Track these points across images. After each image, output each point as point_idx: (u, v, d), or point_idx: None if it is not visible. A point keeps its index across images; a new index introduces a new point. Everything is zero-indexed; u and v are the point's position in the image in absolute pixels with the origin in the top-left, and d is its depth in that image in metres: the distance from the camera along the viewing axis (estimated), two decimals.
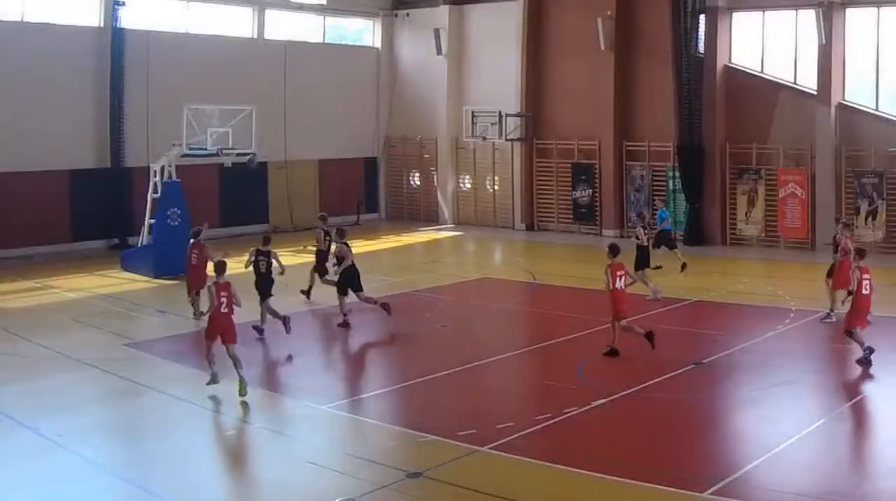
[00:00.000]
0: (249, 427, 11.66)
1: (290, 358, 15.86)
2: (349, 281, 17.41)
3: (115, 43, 26.70)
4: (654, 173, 28.44)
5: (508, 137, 30.32)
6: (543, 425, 11.62)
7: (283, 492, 9.88)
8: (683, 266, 21.38)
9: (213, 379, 13.12)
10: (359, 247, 26.63)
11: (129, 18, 27.08)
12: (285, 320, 16.46)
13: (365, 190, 34.03)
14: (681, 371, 14.07)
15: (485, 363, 15.17)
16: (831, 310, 16.89)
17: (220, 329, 13.25)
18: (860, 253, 15.00)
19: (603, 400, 12.57)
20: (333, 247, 18.28)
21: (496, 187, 32.04)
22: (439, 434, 11.22)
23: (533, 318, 18.98)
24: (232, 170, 25.23)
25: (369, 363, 16.00)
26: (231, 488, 10.11)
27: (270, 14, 31.39)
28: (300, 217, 31.46)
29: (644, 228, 20.10)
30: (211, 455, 11.00)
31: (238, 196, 28.78)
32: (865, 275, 14.46)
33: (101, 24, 26.95)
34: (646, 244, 19.70)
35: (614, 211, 29.06)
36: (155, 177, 23.11)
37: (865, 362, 13.96)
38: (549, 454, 10.64)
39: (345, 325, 17.44)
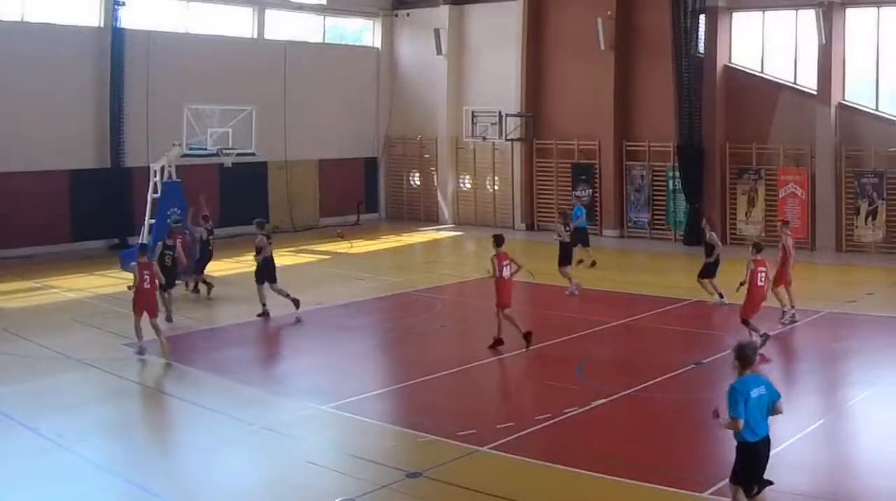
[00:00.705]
0: (249, 428, 11.65)
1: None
2: (266, 271, 18.00)
3: (115, 43, 26.70)
4: (654, 173, 28.44)
5: (508, 137, 30.32)
6: (543, 425, 11.62)
7: (283, 492, 9.87)
8: (593, 263, 22.75)
9: (142, 351, 15.05)
10: (359, 246, 26.70)
11: (129, 18, 27.07)
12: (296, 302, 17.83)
13: (365, 190, 34.04)
14: (681, 371, 14.07)
15: (485, 363, 15.17)
16: (791, 307, 17.00)
17: (144, 304, 14.95)
18: (757, 246, 15.70)
19: (603, 400, 12.57)
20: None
21: (496, 187, 32.05)
22: (439, 434, 11.21)
23: (533, 318, 18.96)
24: (232, 170, 25.25)
25: (369, 363, 15.99)
26: (231, 488, 10.10)
27: (270, 14, 31.39)
28: (300, 217, 31.51)
29: (566, 226, 20.66)
30: (211, 455, 10.99)
31: (238, 196, 28.77)
32: (761, 268, 15.29)
33: (101, 24, 26.95)
34: (568, 240, 20.49)
35: (614, 211, 29.06)
36: (155, 177, 23.11)
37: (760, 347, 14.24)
38: (549, 454, 10.64)
39: (264, 315, 17.87)
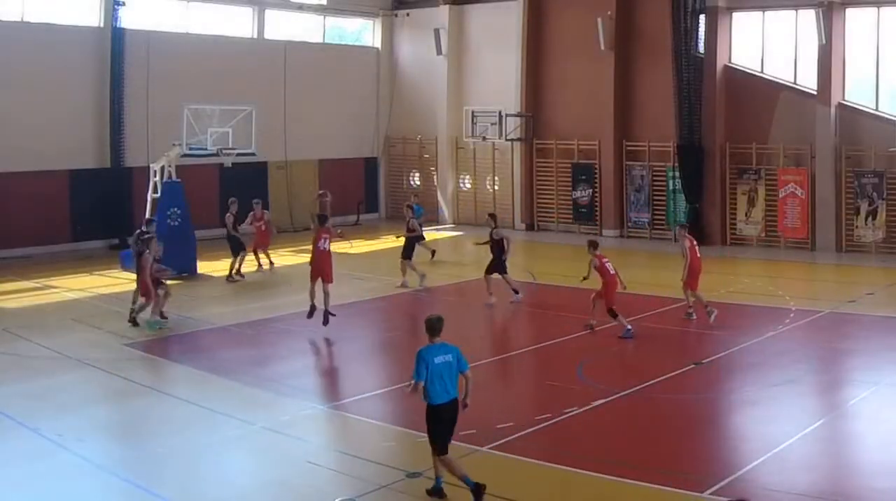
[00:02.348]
0: (249, 428, 11.65)
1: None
2: None
3: (115, 43, 26.69)
4: (654, 173, 28.44)
5: (508, 137, 30.32)
6: (543, 425, 11.62)
7: (283, 492, 9.88)
8: (433, 253, 24.34)
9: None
10: (359, 246, 26.68)
11: (129, 18, 27.07)
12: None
13: (365, 190, 34.03)
14: (681, 371, 14.07)
15: (485, 363, 15.16)
16: (706, 306, 17.21)
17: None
18: (593, 244, 16.90)
19: (603, 400, 12.57)
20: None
21: (496, 187, 32.04)
22: None
23: (533, 318, 18.98)
24: (232, 170, 25.25)
25: (369, 363, 15.99)
26: (231, 488, 10.10)
27: (270, 14, 31.40)
28: (300, 217, 31.48)
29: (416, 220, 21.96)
30: (211, 455, 10.99)
31: (238, 196, 28.71)
32: (605, 260, 16.66)
33: (101, 24, 26.95)
34: (420, 234, 21.80)
35: (614, 211, 29.06)
36: (155, 176, 23.12)
37: (626, 338, 15.87)
38: (549, 454, 10.64)
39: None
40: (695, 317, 17.48)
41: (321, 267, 16.76)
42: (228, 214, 22.63)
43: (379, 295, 20.47)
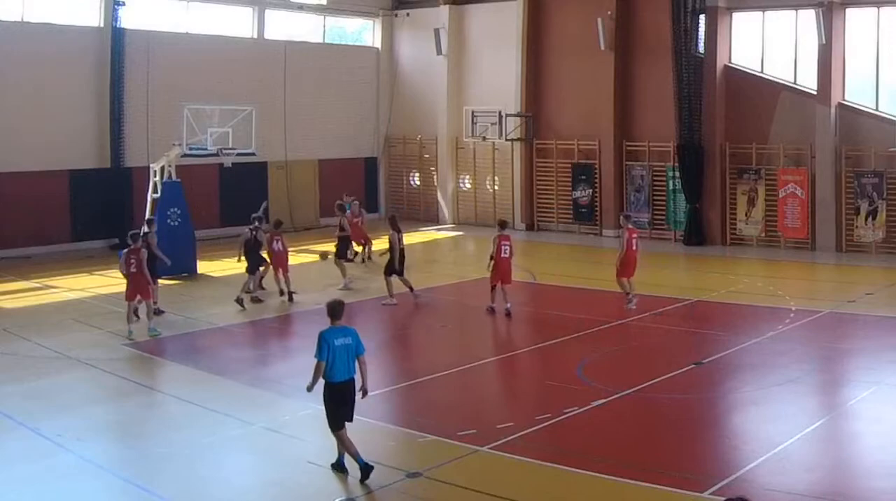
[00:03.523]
0: (249, 427, 11.65)
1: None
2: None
3: (115, 43, 26.70)
4: (654, 173, 28.43)
5: (508, 137, 30.31)
6: (543, 425, 11.62)
7: (283, 492, 9.88)
8: (355, 254, 24.06)
9: (130, 336, 16.13)
10: (359, 247, 26.63)
11: (129, 18, 27.09)
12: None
13: (365, 190, 34.03)
14: (681, 371, 14.07)
15: (485, 363, 15.18)
16: (628, 294, 18.44)
17: (137, 289, 16.41)
18: (502, 224, 18.94)
19: (603, 400, 12.57)
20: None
21: (496, 187, 32.05)
22: (439, 434, 11.22)
23: (533, 318, 18.98)
24: (232, 170, 25.24)
25: (369, 363, 15.96)
26: (231, 488, 10.10)
27: (270, 14, 31.40)
28: (300, 217, 31.50)
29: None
30: (211, 455, 10.99)
31: (238, 196, 28.77)
32: (504, 243, 18.16)
33: (101, 24, 26.95)
34: (348, 235, 21.94)
35: (614, 211, 29.02)
36: (155, 177, 23.12)
37: (493, 312, 18.04)
38: (549, 454, 10.64)
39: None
40: (634, 306, 18.22)
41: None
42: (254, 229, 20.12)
43: (379, 295, 20.44)
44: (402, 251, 19.60)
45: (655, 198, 28.48)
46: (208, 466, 10.72)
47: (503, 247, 18.28)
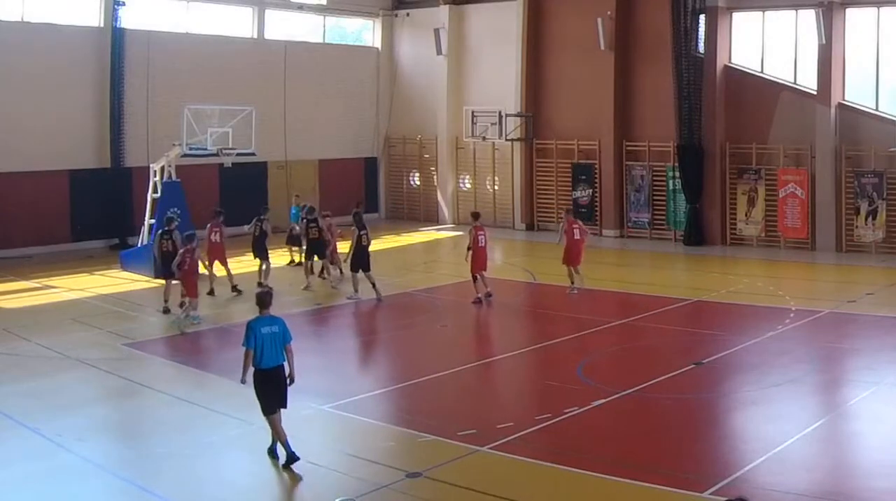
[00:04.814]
0: (249, 427, 11.64)
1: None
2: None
3: (115, 43, 26.71)
4: (654, 173, 28.43)
5: (508, 137, 30.31)
6: (543, 425, 11.61)
7: (283, 492, 9.88)
8: (291, 261, 23.89)
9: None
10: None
11: (129, 18, 27.10)
12: None
13: (365, 190, 34.03)
14: (681, 371, 14.07)
15: (485, 363, 15.18)
16: (572, 284, 20.14)
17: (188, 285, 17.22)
18: (476, 215, 20.04)
19: (603, 400, 12.57)
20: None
21: (496, 187, 32.05)
22: (439, 434, 11.22)
23: (533, 318, 18.98)
24: (232, 170, 25.23)
25: (369, 363, 16.00)
26: (231, 488, 10.10)
27: (270, 14, 31.40)
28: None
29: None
30: (211, 455, 10.99)
31: (238, 196, 28.78)
32: (480, 233, 19.18)
33: (101, 24, 26.96)
34: (323, 239, 21.75)
35: (614, 211, 29.05)
36: (155, 177, 23.13)
37: (481, 302, 18.89)
38: (549, 454, 10.64)
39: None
40: (575, 293, 19.68)
41: None
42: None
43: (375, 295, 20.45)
44: (366, 248, 19.59)
45: (655, 198, 28.48)
46: (208, 466, 10.72)
47: (479, 237, 19.12)
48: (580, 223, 20.94)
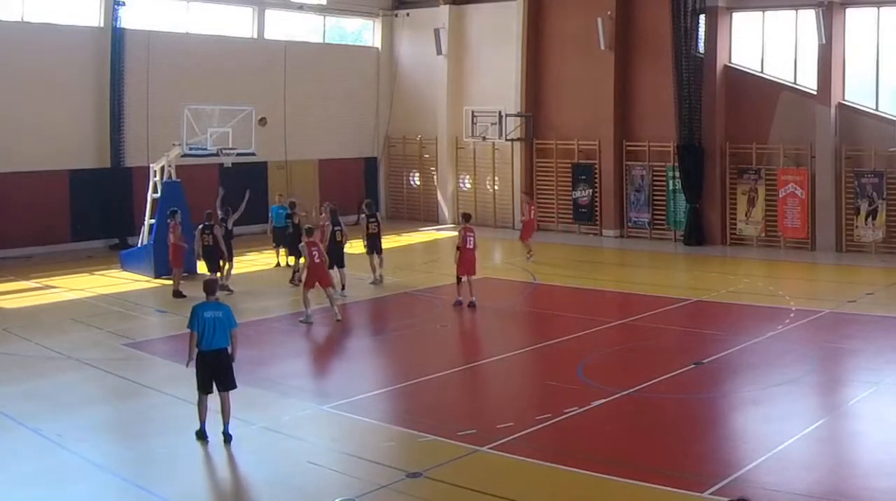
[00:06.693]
0: (249, 427, 11.65)
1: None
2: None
3: (115, 43, 26.70)
4: (654, 173, 28.42)
5: (508, 137, 30.31)
6: (543, 425, 11.61)
7: (283, 492, 9.87)
8: (277, 265, 24.07)
9: (308, 320, 17.17)
10: (359, 247, 26.70)
11: (129, 18, 27.09)
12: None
13: (365, 190, 34.03)
14: (681, 371, 14.07)
15: (485, 363, 15.18)
16: (529, 252, 22.42)
17: (316, 276, 17.27)
18: (466, 216, 19.64)
19: (603, 400, 12.57)
20: None
21: (496, 187, 32.05)
22: (439, 434, 11.22)
23: (533, 318, 18.98)
24: (232, 170, 25.23)
25: (369, 363, 15.99)
26: (231, 488, 10.10)
27: (270, 14, 31.40)
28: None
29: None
30: (211, 455, 10.99)
31: (238, 196, 28.73)
32: (469, 234, 18.72)
33: (101, 24, 26.95)
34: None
35: (614, 211, 29.05)
36: (155, 176, 23.13)
37: (461, 305, 18.62)
38: (549, 454, 10.64)
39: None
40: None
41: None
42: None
43: (379, 295, 20.47)
44: (340, 243, 19.97)
45: (655, 198, 28.48)
46: (208, 466, 10.72)
47: (468, 239, 18.72)
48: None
